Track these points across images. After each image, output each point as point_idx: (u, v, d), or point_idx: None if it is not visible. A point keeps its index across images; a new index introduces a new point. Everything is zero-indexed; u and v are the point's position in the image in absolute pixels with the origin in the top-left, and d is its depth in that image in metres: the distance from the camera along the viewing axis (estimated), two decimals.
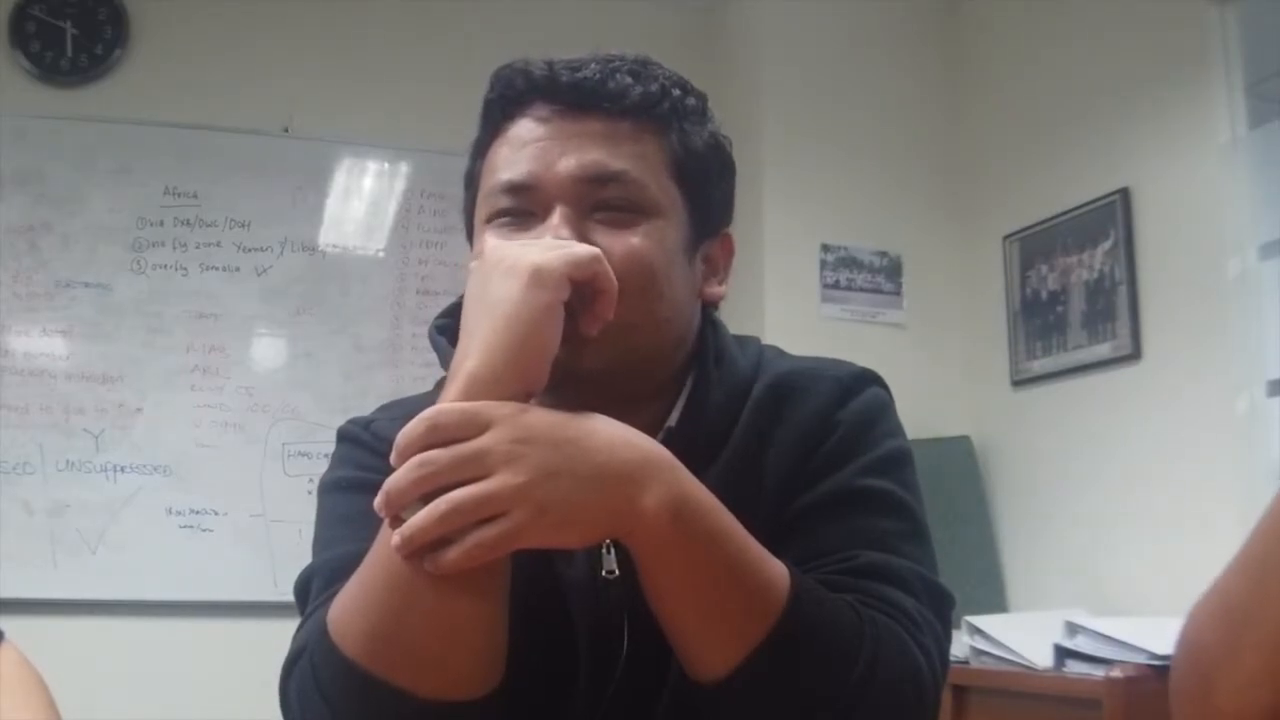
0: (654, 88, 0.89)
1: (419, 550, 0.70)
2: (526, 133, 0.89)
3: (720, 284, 0.97)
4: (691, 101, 0.93)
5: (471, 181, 0.95)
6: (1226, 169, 2.52)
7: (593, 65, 0.89)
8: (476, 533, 0.69)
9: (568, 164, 0.86)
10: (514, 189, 0.87)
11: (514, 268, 0.75)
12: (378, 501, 0.71)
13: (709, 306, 0.98)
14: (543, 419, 0.73)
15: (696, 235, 0.92)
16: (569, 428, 0.73)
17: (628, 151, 0.87)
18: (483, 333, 0.74)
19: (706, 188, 0.93)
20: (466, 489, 0.69)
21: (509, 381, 0.74)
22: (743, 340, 1.00)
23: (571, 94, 0.88)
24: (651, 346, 0.89)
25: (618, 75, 0.89)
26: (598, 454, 0.73)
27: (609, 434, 0.75)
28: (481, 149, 0.94)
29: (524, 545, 0.71)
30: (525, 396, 0.75)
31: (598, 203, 0.86)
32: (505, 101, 0.91)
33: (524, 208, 0.87)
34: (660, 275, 0.87)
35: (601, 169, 0.86)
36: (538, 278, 0.74)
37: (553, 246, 0.78)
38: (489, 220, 0.89)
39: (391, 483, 0.71)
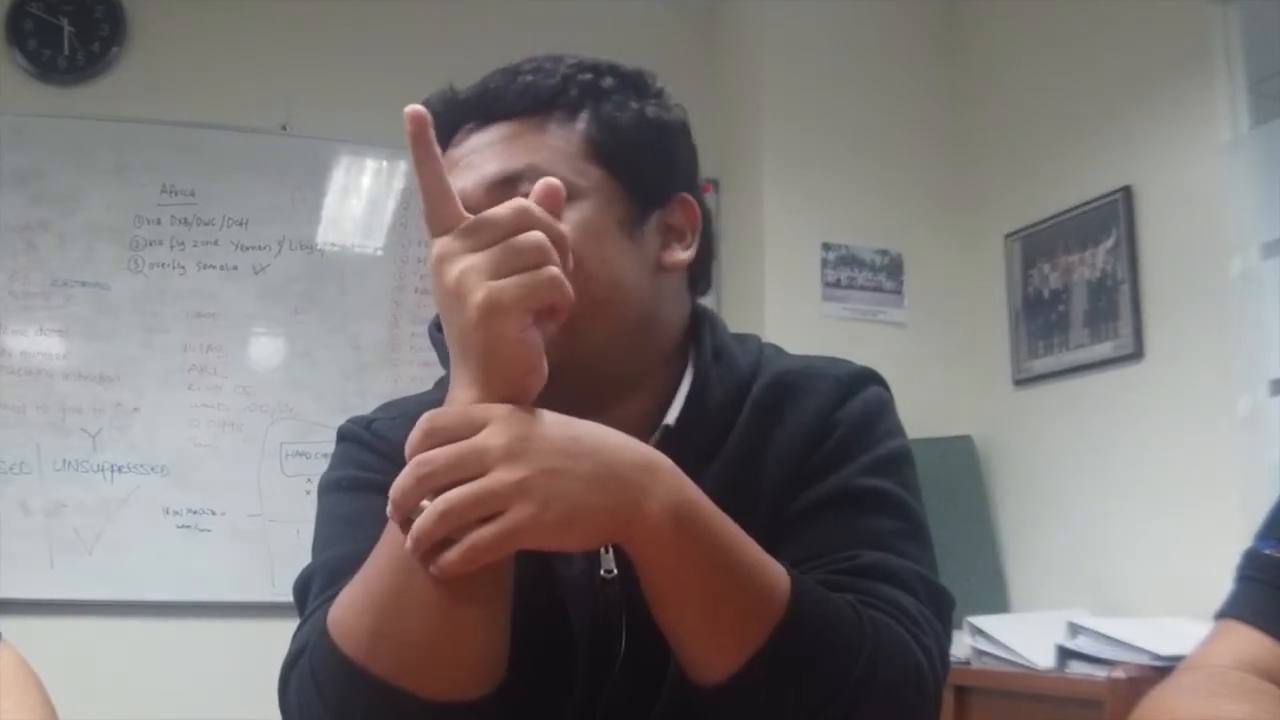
0: (555, 79, 0.91)
1: (429, 552, 0.70)
2: (453, 155, 0.91)
3: (686, 249, 0.95)
4: (609, 81, 0.93)
5: None
6: (1228, 167, 2.52)
7: (498, 75, 0.92)
8: (475, 533, 0.69)
9: (481, 174, 0.88)
10: None
11: (469, 304, 0.71)
12: (390, 508, 0.71)
13: (697, 299, 0.98)
14: (542, 419, 0.72)
15: (640, 207, 0.92)
16: (569, 428, 0.73)
17: (533, 144, 0.89)
18: (469, 372, 0.73)
19: (637, 161, 0.92)
20: (463, 487, 0.68)
21: (508, 400, 0.74)
22: (743, 338, 0.99)
23: (480, 107, 0.91)
24: (599, 331, 0.87)
25: (519, 77, 0.91)
26: (598, 454, 0.72)
27: (608, 435, 0.74)
28: None
29: (523, 545, 0.70)
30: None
31: None
32: (439, 130, 0.94)
33: None
34: (587, 257, 0.86)
35: (508, 170, 0.87)
36: (493, 313, 0.71)
37: (505, 263, 0.72)
38: None
39: (395, 486, 0.71)
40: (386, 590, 0.73)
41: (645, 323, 0.92)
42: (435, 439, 0.70)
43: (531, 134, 0.89)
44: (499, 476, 0.69)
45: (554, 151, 0.89)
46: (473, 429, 0.70)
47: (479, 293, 0.71)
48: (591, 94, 0.92)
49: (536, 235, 0.72)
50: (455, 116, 0.92)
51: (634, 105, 0.93)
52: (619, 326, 0.89)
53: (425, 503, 0.69)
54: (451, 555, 0.69)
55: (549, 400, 0.75)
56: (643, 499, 0.72)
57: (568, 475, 0.70)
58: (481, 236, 0.72)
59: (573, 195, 0.87)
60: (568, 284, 0.73)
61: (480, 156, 0.89)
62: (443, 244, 0.73)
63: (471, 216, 0.73)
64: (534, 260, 0.72)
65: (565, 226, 0.82)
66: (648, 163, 0.93)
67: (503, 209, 0.73)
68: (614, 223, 0.89)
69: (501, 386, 0.72)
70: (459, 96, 0.92)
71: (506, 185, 0.86)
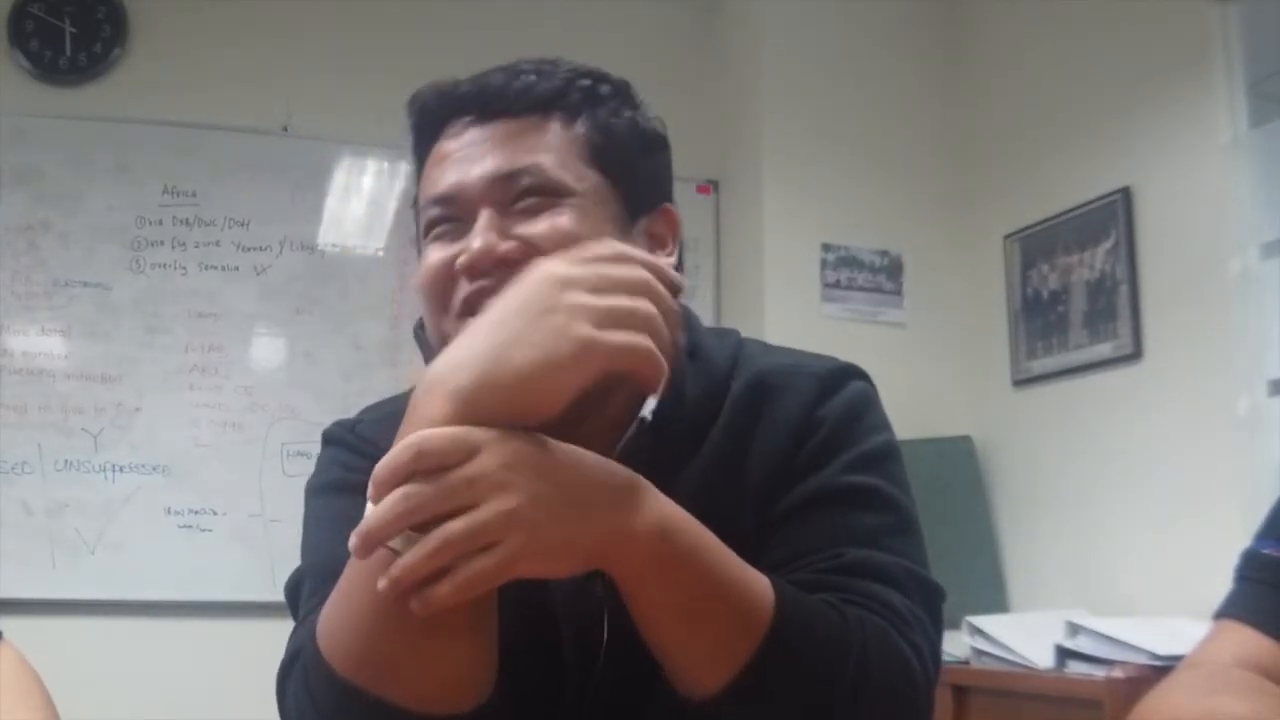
0: (557, 82, 0.93)
1: (408, 590, 0.67)
2: (446, 148, 0.92)
3: (668, 257, 0.96)
4: (605, 89, 0.95)
5: (415, 204, 0.98)
6: (1228, 168, 2.52)
7: (497, 73, 0.93)
8: (468, 565, 0.66)
9: (482, 168, 0.89)
10: (441, 200, 0.91)
11: (570, 334, 0.70)
12: (353, 541, 0.67)
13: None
14: (529, 444, 0.70)
15: (630, 212, 0.93)
16: (555, 453, 0.71)
17: (536, 144, 0.90)
18: (511, 366, 0.70)
19: (630, 167, 0.94)
20: (458, 521, 0.66)
21: (507, 420, 0.71)
22: (721, 333, 0.99)
23: (479, 102, 0.92)
24: None
25: (521, 76, 0.92)
26: (582, 479, 0.71)
27: (587, 458, 0.73)
28: (418, 173, 0.97)
29: (518, 574, 0.69)
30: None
31: (516, 197, 0.89)
32: (425, 124, 0.96)
33: (453, 216, 0.91)
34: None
35: (511, 166, 0.89)
36: (582, 358, 0.70)
37: (611, 315, 0.71)
38: (426, 233, 0.94)
39: (373, 517, 0.66)
40: (367, 611, 0.72)
41: None
42: (423, 463, 0.67)
43: (533, 133, 0.90)
44: (492, 508, 0.67)
45: (556, 152, 0.90)
46: (463, 455, 0.67)
47: (581, 327, 0.70)
48: (590, 99, 0.93)
49: (647, 306, 0.72)
50: (451, 109, 0.93)
51: (627, 114, 0.95)
52: None
53: (405, 535, 0.66)
54: (444, 589, 0.66)
55: None
56: (628, 521, 0.72)
57: (555, 502, 0.69)
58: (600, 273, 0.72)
59: (571, 195, 0.89)
60: (664, 360, 0.71)
61: (480, 150, 0.90)
62: (564, 267, 0.72)
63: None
64: (642, 322, 0.71)
65: (562, 218, 0.85)
66: (639, 170, 0.94)
67: (616, 256, 0.74)
68: (609, 224, 0.90)
69: (513, 420, 0.70)
70: (459, 90, 0.93)
71: (508, 181, 0.88)
